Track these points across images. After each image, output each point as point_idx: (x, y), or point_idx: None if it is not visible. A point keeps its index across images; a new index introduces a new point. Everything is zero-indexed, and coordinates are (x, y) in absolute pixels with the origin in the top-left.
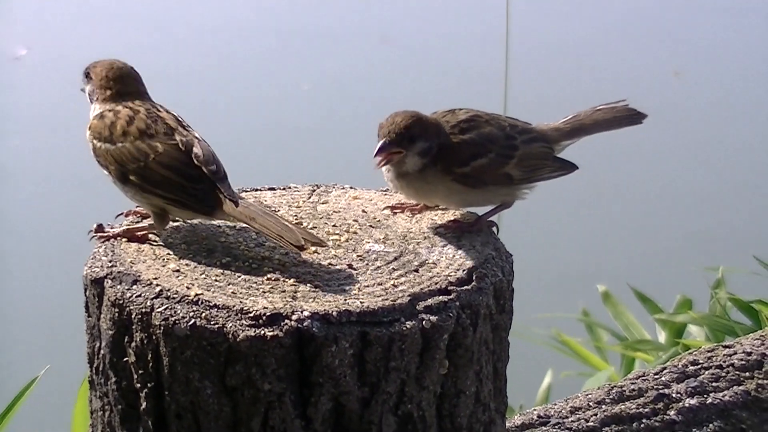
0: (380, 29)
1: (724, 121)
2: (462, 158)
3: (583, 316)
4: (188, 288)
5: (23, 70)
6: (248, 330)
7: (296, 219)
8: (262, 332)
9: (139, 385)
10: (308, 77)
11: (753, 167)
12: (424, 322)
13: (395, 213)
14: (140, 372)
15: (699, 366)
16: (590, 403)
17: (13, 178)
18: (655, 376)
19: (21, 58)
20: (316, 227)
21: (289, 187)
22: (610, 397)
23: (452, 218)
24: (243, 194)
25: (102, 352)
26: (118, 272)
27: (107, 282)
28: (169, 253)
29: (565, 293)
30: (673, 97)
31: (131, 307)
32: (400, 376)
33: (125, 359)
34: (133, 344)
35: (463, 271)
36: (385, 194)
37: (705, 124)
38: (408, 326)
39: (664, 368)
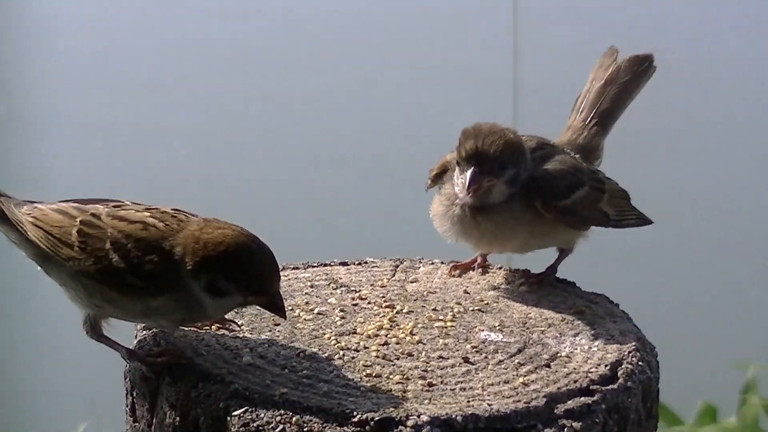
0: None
1: None
2: (560, 190)
3: None
4: (270, 386)
5: None
6: None
7: (386, 301)
8: None
9: None
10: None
11: None
12: (566, 429)
13: (454, 275)
14: None
15: None
16: None
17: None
18: None
19: None
20: (412, 311)
21: (365, 262)
22: None
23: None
24: (311, 269)
25: None
26: (178, 367)
27: (164, 379)
28: (237, 344)
29: None
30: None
31: (198, 410)
32: None
33: None
34: None
35: (605, 366)
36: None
37: None
38: None
39: None
